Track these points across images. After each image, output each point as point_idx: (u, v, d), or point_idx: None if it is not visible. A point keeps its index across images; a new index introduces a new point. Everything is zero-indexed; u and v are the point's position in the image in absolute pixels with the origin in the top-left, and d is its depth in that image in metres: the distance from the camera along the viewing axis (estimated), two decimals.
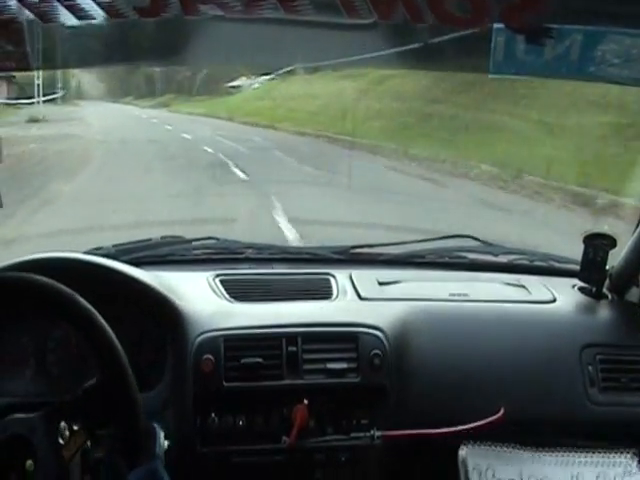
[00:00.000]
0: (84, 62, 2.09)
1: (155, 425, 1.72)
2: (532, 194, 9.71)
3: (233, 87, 25.61)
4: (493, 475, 1.83)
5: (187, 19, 1.54)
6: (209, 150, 14.21)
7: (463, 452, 1.85)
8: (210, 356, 1.95)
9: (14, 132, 15.36)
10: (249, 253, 2.52)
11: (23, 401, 1.83)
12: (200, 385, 1.95)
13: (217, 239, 2.58)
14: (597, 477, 1.87)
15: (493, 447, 1.87)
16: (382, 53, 1.75)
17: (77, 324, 1.58)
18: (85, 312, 1.54)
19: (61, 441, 1.51)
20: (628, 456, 1.89)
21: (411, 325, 2.10)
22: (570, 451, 1.91)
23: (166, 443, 1.75)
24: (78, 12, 1.46)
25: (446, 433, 1.90)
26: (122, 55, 1.89)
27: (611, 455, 1.89)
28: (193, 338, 1.98)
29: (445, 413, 1.93)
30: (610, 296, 2.29)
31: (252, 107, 23.30)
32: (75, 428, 1.54)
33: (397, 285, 2.34)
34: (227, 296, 2.18)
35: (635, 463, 1.90)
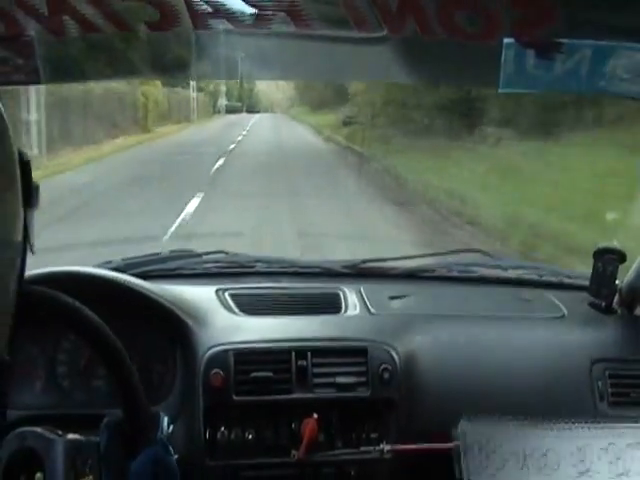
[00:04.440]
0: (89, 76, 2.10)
1: (159, 412, 1.70)
2: None
3: None
4: (494, 450, 1.81)
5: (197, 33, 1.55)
6: None
7: (463, 425, 1.83)
8: (220, 370, 1.95)
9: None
10: (259, 267, 2.52)
11: (33, 413, 1.83)
12: (210, 399, 1.95)
13: (226, 253, 2.58)
14: (606, 448, 1.84)
15: (494, 420, 1.85)
16: (392, 67, 1.76)
17: (86, 337, 1.58)
18: (94, 325, 1.55)
19: (72, 476, 1.51)
20: (638, 428, 1.86)
21: (420, 339, 2.09)
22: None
23: (171, 427, 1.73)
24: (88, 26, 1.47)
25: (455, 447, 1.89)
26: (128, 69, 1.90)
27: (621, 427, 1.87)
28: (203, 352, 1.98)
29: (454, 427, 1.93)
30: (620, 311, 2.28)
31: None
32: (88, 470, 1.54)
33: (406, 299, 2.33)
34: (236, 310, 2.18)
35: None
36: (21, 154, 1.14)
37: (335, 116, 28.21)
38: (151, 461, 1.57)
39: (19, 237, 1.14)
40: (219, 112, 44.04)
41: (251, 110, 50.65)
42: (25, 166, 1.15)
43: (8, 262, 1.13)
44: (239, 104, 49.67)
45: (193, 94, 33.95)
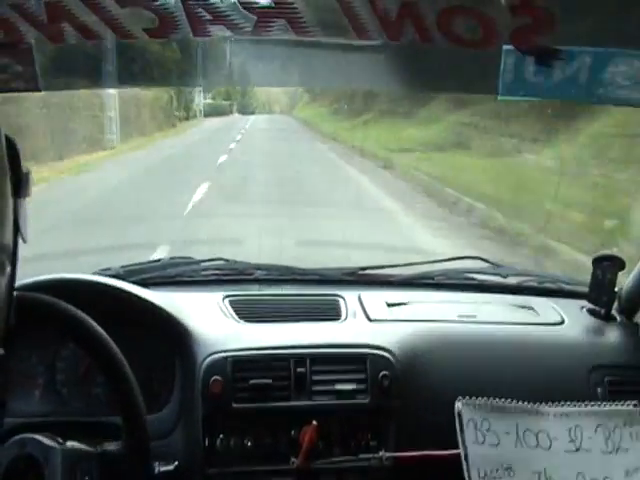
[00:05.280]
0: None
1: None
2: None
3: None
4: (488, 428, 1.82)
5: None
6: None
7: (459, 405, 1.83)
8: (219, 377, 1.94)
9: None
10: (258, 274, 2.51)
11: (32, 421, 1.83)
12: (209, 406, 1.94)
13: (226, 260, 2.58)
14: (597, 428, 1.85)
15: (489, 400, 1.86)
16: (391, 75, 1.76)
17: (85, 345, 1.58)
18: (93, 333, 1.55)
19: None
20: (630, 406, 1.87)
21: (420, 346, 2.09)
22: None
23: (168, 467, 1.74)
24: (87, 32, 1.47)
25: (455, 455, 1.89)
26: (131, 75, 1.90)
27: (612, 406, 1.87)
28: (202, 359, 1.98)
29: (454, 435, 1.92)
30: (619, 318, 2.29)
31: None
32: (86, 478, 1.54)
33: (406, 306, 2.33)
34: (236, 317, 2.18)
35: (637, 414, 1.88)
36: (9, 142, 1.12)
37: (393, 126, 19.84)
38: None
39: (9, 237, 1.13)
40: (195, 117, 31.55)
41: (244, 111, 39.64)
42: (14, 154, 1.13)
43: None
44: (227, 102, 37.89)
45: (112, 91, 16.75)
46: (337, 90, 25.13)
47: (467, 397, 1.84)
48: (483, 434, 1.81)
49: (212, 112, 33.83)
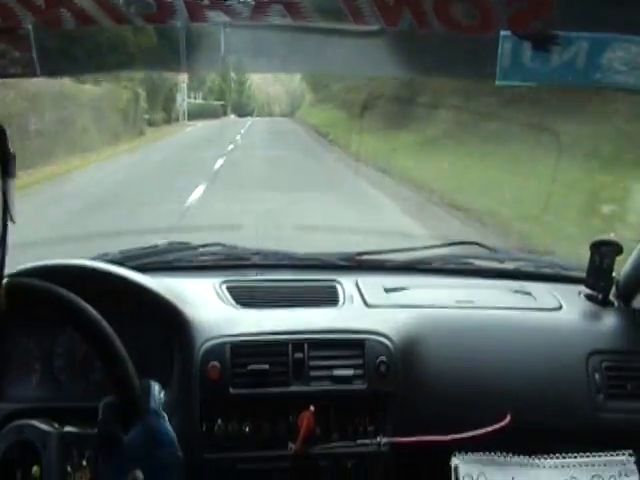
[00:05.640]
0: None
1: (149, 381, 1.69)
2: None
3: None
4: None
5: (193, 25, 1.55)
6: None
7: (455, 460, 1.84)
8: (216, 363, 1.95)
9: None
10: (256, 259, 2.52)
11: (30, 406, 1.83)
12: (206, 392, 1.95)
13: (224, 245, 2.58)
14: (592, 479, 1.86)
15: (485, 454, 1.87)
16: (389, 60, 1.76)
17: (82, 330, 1.58)
18: (90, 318, 1.54)
19: (69, 469, 1.51)
20: (624, 457, 1.88)
21: (417, 332, 2.10)
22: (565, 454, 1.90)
23: (162, 394, 1.69)
24: (84, 18, 1.47)
25: (453, 440, 1.90)
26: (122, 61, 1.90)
27: (607, 456, 1.88)
28: (199, 345, 1.98)
29: (452, 420, 1.93)
30: (616, 303, 2.29)
31: None
32: (84, 463, 1.54)
33: (403, 292, 2.34)
34: (233, 302, 2.18)
35: (631, 463, 1.89)
36: None
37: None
38: (143, 433, 1.57)
39: None
40: (177, 120, 25.80)
41: (241, 112, 34.86)
42: (1, 135, 1.12)
43: None
44: (219, 103, 32.62)
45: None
46: (346, 88, 20.56)
47: (462, 452, 1.85)
48: None
49: (200, 114, 27.96)
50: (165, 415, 1.63)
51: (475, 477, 1.83)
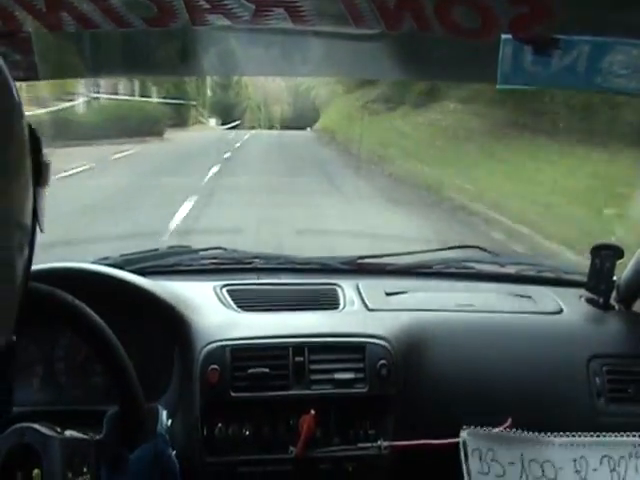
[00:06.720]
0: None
1: (157, 406, 1.69)
2: None
3: None
4: (493, 458, 1.82)
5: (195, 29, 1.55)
6: None
7: (464, 434, 1.83)
8: (217, 366, 1.95)
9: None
10: (256, 263, 2.52)
11: (31, 410, 1.83)
12: (207, 395, 1.95)
13: (224, 249, 2.58)
14: (602, 459, 1.84)
15: (494, 430, 1.86)
16: (390, 63, 1.76)
17: (82, 333, 1.58)
18: (91, 321, 1.54)
19: (70, 474, 1.51)
20: (635, 438, 1.87)
21: (418, 335, 2.10)
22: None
23: (169, 421, 1.72)
24: (85, 22, 1.47)
25: (453, 444, 1.89)
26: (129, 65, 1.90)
27: (618, 437, 1.87)
28: (200, 348, 1.98)
29: (452, 423, 1.93)
30: (617, 307, 2.29)
31: None
32: (85, 470, 1.54)
33: (404, 295, 2.34)
34: (234, 306, 2.18)
35: None
36: (32, 130, 1.11)
37: None
38: (151, 455, 1.57)
39: (29, 219, 1.12)
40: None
41: (225, 118, 25.50)
42: (36, 142, 1.12)
43: (17, 245, 1.11)
44: (185, 103, 22.06)
45: None
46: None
47: (471, 427, 1.83)
48: (488, 464, 1.80)
49: (127, 127, 16.67)
50: (167, 439, 1.65)
51: (484, 452, 1.81)
